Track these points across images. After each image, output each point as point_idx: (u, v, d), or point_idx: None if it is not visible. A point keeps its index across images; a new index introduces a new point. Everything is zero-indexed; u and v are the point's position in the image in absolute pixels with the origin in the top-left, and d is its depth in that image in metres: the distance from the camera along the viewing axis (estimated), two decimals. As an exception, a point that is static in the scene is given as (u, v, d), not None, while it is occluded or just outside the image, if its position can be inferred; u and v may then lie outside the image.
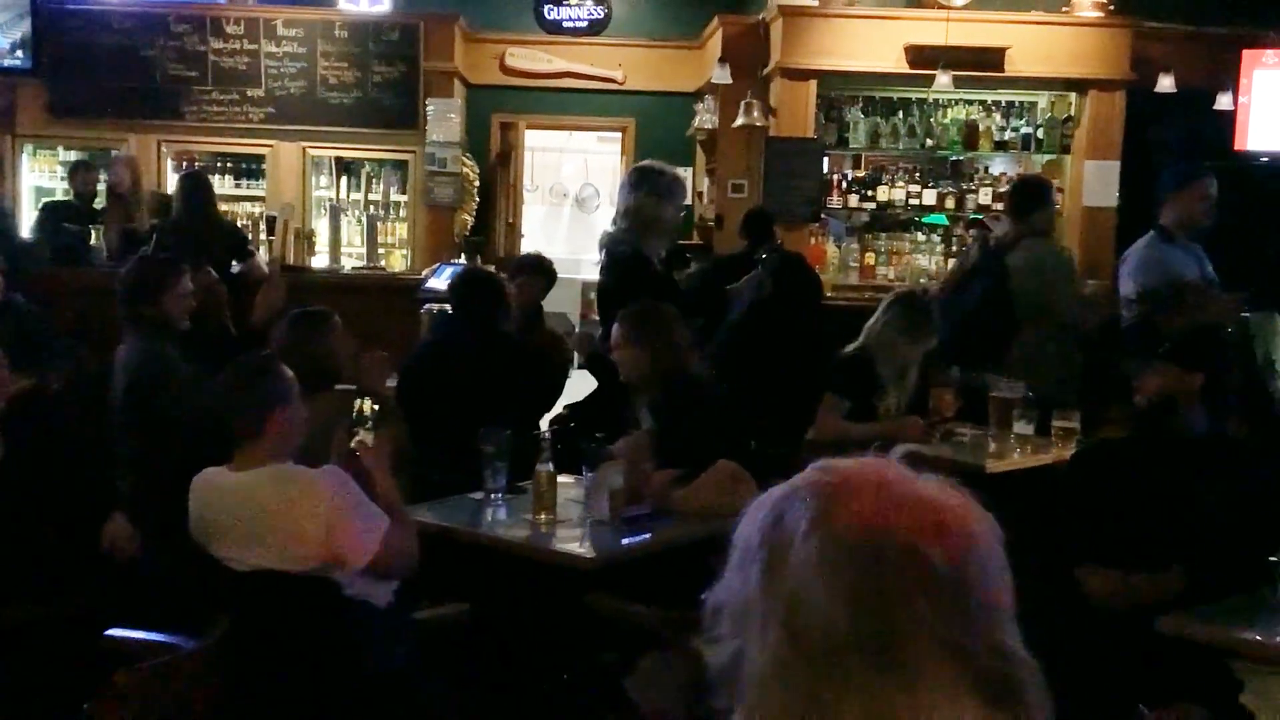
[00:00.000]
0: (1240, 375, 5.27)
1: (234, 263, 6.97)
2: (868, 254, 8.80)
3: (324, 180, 10.27)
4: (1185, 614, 2.88)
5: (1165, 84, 8.56)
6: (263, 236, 8.97)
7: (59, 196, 9.38)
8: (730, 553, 1.01)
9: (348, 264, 9.32)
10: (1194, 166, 5.58)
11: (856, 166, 9.08)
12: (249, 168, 10.12)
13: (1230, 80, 8.37)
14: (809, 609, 0.91)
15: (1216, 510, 3.16)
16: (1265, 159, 8.21)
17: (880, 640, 0.89)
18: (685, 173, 10.23)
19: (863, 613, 0.89)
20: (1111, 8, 8.70)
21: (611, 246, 4.89)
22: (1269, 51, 8.30)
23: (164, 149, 9.93)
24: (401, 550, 3.08)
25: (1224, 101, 8.46)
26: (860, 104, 8.86)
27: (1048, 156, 8.90)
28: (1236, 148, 8.24)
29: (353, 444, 3.21)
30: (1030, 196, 5.63)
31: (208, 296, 5.36)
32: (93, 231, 7.98)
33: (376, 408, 3.32)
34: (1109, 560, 3.22)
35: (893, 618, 0.89)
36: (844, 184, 8.79)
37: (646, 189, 4.83)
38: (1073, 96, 8.79)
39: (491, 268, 7.09)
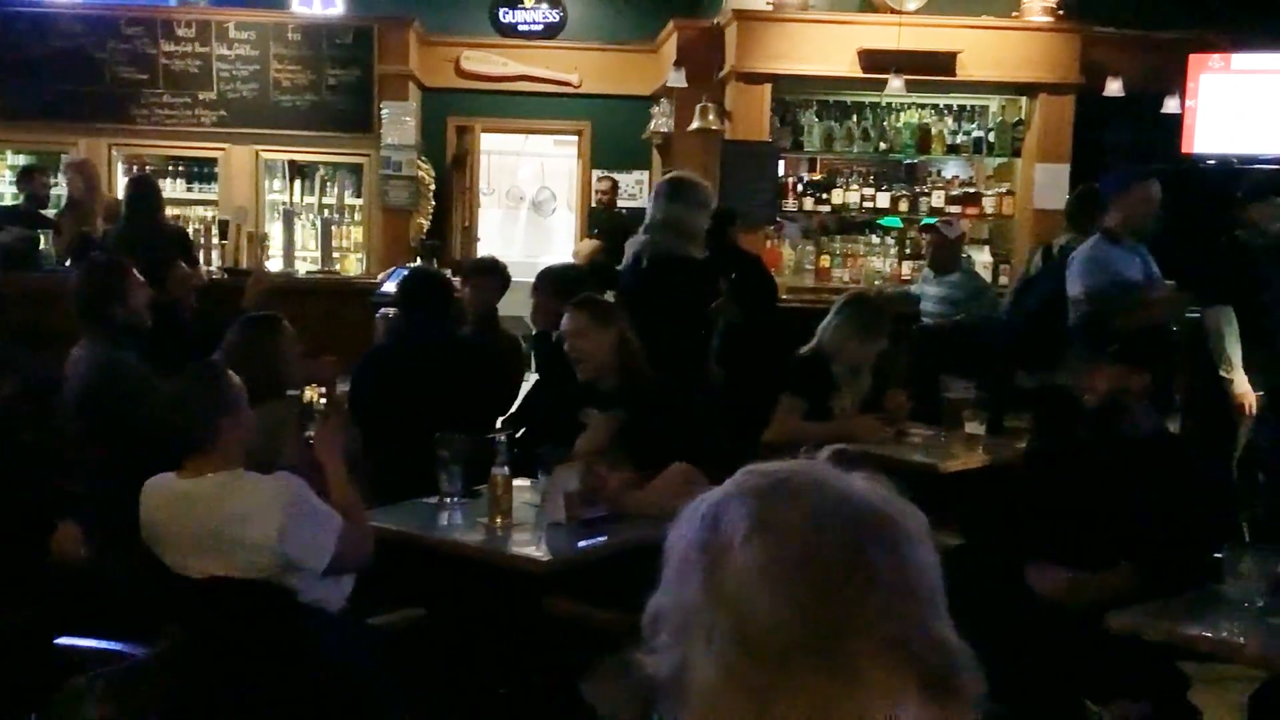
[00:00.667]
0: (1186, 373, 5.37)
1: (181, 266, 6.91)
2: (823, 256, 8.85)
3: (277, 184, 10.19)
4: (1134, 611, 2.92)
5: (1114, 88, 8.69)
6: (215, 240, 8.88)
7: (7, 201, 9.25)
8: (666, 560, 1.00)
9: (302, 268, 9.24)
10: (1138, 169, 5.67)
11: (811, 169, 9.14)
12: (201, 171, 10.02)
13: (1178, 84, 8.47)
14: (755, 615, 0.90)
15: (1164, 508, 3.21)
16: (1212, 161, 8.33)
17: (829, 642, 0.89)
18: (641, 176, 10.30)
19: (811, 616, 0.89)
20: (1061, 13, 8.81)
21: (652, 251, 4.94)
22: (1215, 56, 8.42)
23: (114, 152, 9.82)
24: (357, 546, 3.08)
25: (1172, 105, 8.57)
26: (814, 108, 8.92)
27: (999, 160, 9.00)
28: (1184, 151, 8.35)
29: (306, 434, 3.21)
30: (1091, 207, 5.69)
31: (183, 293, 5.39)
32: (40, 236, 7.88)
33: (324, 400, 3.32)
34: (1059, 558, 3.26)
35: (841, 620, 0.89)
36: (799, 187, 8.84)
37: (684, 200, 4.92)
38: (1023, 100, 8.89)
39: (448, 271, 7.07)
